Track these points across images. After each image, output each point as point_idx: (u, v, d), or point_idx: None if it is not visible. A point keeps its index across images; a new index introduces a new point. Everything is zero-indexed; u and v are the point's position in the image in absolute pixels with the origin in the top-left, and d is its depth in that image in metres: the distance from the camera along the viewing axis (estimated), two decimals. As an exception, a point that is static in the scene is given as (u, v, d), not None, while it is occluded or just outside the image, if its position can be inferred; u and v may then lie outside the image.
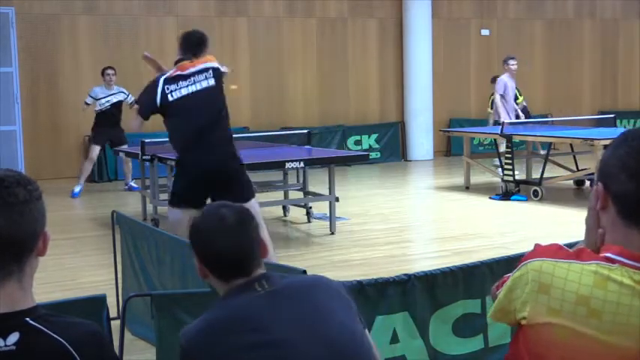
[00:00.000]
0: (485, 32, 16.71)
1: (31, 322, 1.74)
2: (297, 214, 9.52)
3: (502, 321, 2.05)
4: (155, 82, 5.67)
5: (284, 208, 9.66)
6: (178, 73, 5.64)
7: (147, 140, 9.45)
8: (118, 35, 13.66)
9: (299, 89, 15.15)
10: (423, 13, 15.50)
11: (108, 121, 11.68)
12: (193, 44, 5.78)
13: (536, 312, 1.86)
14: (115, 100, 11.78)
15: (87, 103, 11.92)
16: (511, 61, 12.70)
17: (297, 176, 9.62)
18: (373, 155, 14.89)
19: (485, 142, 15.52)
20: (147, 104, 5.63)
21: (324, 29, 15.32)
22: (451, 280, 3.74)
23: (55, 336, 1.73)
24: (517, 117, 12.69)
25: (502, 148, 11.82)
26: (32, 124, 13.04)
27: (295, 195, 9.74)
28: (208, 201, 5.55)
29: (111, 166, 13.32)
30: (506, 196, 10.61)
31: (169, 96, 5.56)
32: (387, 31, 15.79)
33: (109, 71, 11.82)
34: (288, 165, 8.24)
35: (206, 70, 5.62)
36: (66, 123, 13.34)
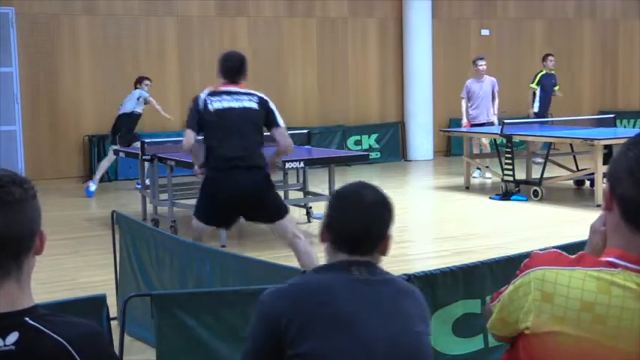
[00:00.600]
0: (485, 32, 16.71)
1: (30, 321, 1.73)
2: (297, 214, 9.51)
3: (501, 332, 2.03)
4: (197, 96, 5.71)
5: (284, 208, 9.65)
6: (223, 88, 5.66)
7: (147, 140, 9.45)
8: (118, 35, 13.66)
9: (299, 89, 15.15)
10: (423, 13, 15.50)
11: (127, 125, 11.66)
12: (232, 71, 5.69)
13: (540, 321, 1.85)
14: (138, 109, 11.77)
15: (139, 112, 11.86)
16: (479, 62, 12.73)
17: (297, 176, 9.62)
18: (373, 155, 14.89)
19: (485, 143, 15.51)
20: (191, 116, 5.62)
21: (324, 29, 15.32)
22: (451, 280, 3.74)
23: (54, 336, 1.72)
24: (489, 120, 12.53)
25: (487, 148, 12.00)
26: (32, 124, 13.04)
27: (295, 195, 9.74)
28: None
29: (111, 166, 13.30)
30: (506, 196, 10.61)
31: (210, 105, 5.56)
32: (387, 31, 15.79)
33: (147, 82, 11.84)
34: (288, 165, 8.23)
35: (249, 94, 5.61)
36: (66, 123, 13.33)
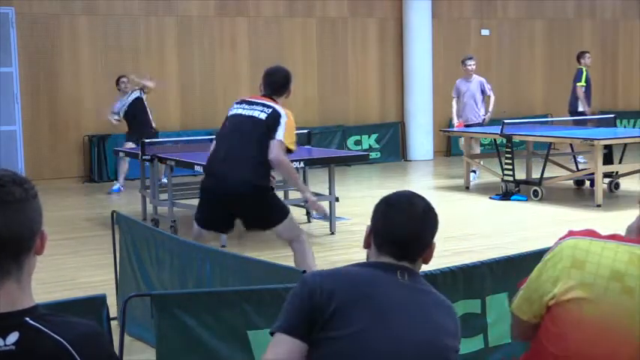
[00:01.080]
0: (485, 32, 16.71)
1: (30, 321, 1.73)
2: (297, 214, 9.51)
3: (527, 314, 2.01)
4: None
5: (284, 208, 9.65)
6: (250, 99, 5.80)
7: (147, 140, 9.45)
8: (118, 35, 13.66)
9: (299, 89, 15.13)
10: (423, 13, 15.50)
11: (133, 121, 11.68)
12: (269, 85, 5.76)
13: (567, 287, 1.85)
14: (130, 101, 11.76)
15: (117, 120, 11.95)
16: (468, 62, 12.65)
17: (297, 176, 9.62)
18: (373, 155, 14.89)
19: (485, 142, 15.52)
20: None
21: (324, 29, 15.32)
22: (451, 280, 3.74)
23: (54, 336, 1.72)
24: (477, 121, 12.48)
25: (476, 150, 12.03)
26: (32, 124, 13.04)
27: (295, 195, 9.74)
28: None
29: (111, 166, 13.31)
30: (506, 196, 10.61)
31: (230, 111, 5.77)
32: (387, 31, 15.79)
33: (123, 79, 11.90)
34: (288, 165, 8.22)
35: (266, 106, 5.59)
36: (66, 123, 13.33)
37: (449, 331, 2.32)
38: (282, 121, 5.52)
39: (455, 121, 12.67)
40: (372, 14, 15.67)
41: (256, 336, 3.29)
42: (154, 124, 11.76)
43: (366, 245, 2.46)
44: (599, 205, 9.63)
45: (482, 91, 12.59)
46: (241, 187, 5.41)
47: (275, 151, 5.44)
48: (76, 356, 1.72)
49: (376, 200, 2.55)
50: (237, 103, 5.77)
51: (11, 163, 12.14)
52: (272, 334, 2.29)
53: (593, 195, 9.93)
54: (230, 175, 5.42)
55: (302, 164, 8.42)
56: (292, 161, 8.22)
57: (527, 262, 3.66)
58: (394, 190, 2.52)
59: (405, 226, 2.37)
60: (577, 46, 17.71)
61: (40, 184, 1.87)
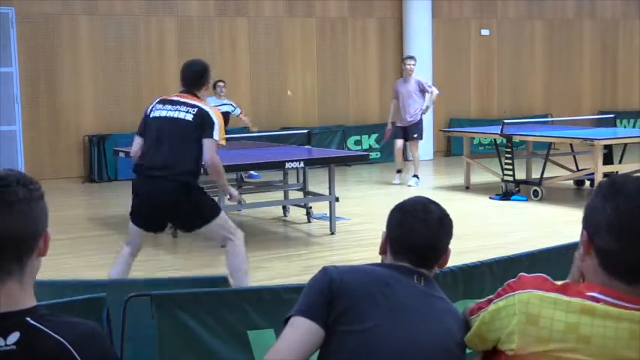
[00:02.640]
0: (485, 32, 16.71)
1: (31, 321, 1.73)
2: (297, 214, 9.52)
3: (478, 347, 2.07)
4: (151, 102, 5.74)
5: (284, 208, 9.66)
6: (171, 97, 5.64)
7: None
8: (118, 35, 13.66)
9: (299, 89, 15.15)
10: (423, 13, 15.50)
11: None
12: (188, 80, 5.66)
13: (524, 343, 1.90)
14: (222, 111, 11.77)
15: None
16: (408, 61, 12.25)
17: (297, 176, 9.63)
18: (373, 155, 14.89)
19: (485, 142, 15.53)
20: (141, 121, 5.65)
21: (324, 29, 15.32)
22: (451, 280, 3.74)
23: (55, 335, 1.72)
24: (413, 121, 12.03)
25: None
26: (32, 124, 13.04)
27: (295, 195, 9.74)
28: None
29: (111, 166, 13.32)
30: (506, 196, 10.61)
31: (152, 113, 5.56)
32: (387, 31, 15.79)
33: (220, 84, 12.06)
34: (288, 165, 8.23)
35: (191, 106, 5.46)
36: (66, 123, 13.34)
37: (457, 341, 2.30)
38: (214, 118, 5.40)
39: (389, 125, 12.25)
40: (372, 14, 15.68)
41: (256, 336, 3.28)
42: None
43: (382, 252, 2.47)
44: (599, 205, 9.62)
45: (423, 91, 12.10)
46: (172, 193, 5.34)
47: (209, 153, 5.34)
48: (77, 356, 1.72)
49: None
50: (158, 102, 5.57)
51: (11, 163, 12.14)
52: (286, 321, 2.26)
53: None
54: (160, 182, 5.34)
55: (302, 164, 8.42)
56: (292, 161, 8.27)
57: (527, 262, 3.66)
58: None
59: (422, 235, 2.38)
60: (577, 46, 17.73)
61: (40, 184, 1.87)
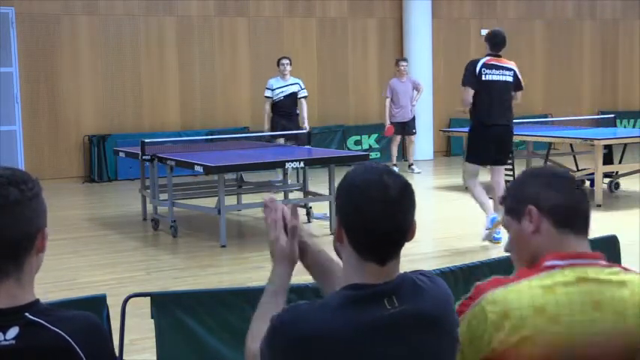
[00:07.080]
0: (485, 32, 16.69)
1: (30, 316, 1.74)
2: (297, 214, 9.50)
3: (471, 355, 2.09)
4: (473, 64, 7.76)
5: (284, 208, 9.64)
6: (493, 62, 7.72)
7: (147, 140, 9.44)
8: (118, 35, 13.66)
9: (299, 89, 15.12)
10: (423, 13, 15.50)
11: (280, 111, 11.52)
12: (499, 44, 7.81)
13: (503, 337, 1.95)
14: (288, 92, 11.61)
15: (267, 97, 11.64)
16: (402, 63, 13.50)
17: (297, 176, 9.62)
18: (373, 155, 14.88)
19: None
20: (468, 78, 7.75)
21: (324, 29, 15.32)
22: (451, 280, 3.74)
23: (54, 329, 1.73)
24: (407, 120, 13.45)
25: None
26: (32, 124, 13.04)
27: (295, 195, 9.74)
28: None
29: (111, 166, 13.32)
30: (506, 196, 10.59)
31: (483, 76, 7.67)
32: (387, 31, 15.79)
33: (284, 61, 11.61)
34: (288, 165, 8.23)
35: (510, 69, 7.83)
36: (66, 123, 13.34)
37: (446, 348, 1.95)
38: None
39: (387, 122, 13.38)
40: (372, 14, 15.68)
41: (256, 336, 3.28)
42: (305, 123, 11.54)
43: (339, 240, 2.02)
44: (599, 205, 9.63)
45: (415, 88, 13.52)
46: (510, 126, 8.02)
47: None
48: (77, 348, 1.72)
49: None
50: (486, 67, 7.66)
51: (11, 163, 12.14)
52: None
53: (593, 195, 9.93)
54: (503, 121, 7.86)
55: (302, 164, 8.42)
56: (292, 161, 8.27)
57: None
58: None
59: (385, 219, 1.89)
60: (577, 46, 17.73)
61: (40, 184, 1.86)
